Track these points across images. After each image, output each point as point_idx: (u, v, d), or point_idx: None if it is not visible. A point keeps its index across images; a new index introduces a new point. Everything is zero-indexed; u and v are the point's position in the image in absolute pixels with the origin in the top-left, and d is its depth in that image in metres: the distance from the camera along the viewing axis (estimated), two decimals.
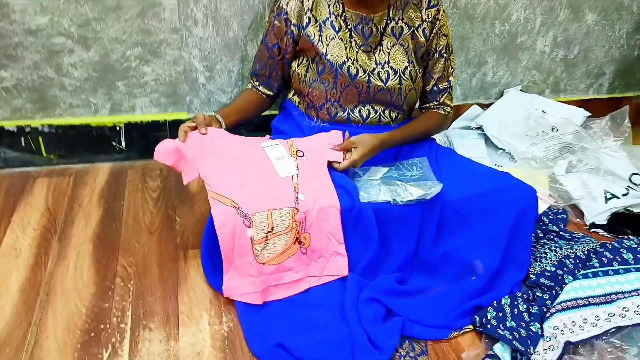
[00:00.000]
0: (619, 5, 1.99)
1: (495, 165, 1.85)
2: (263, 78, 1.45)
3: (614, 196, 1.60)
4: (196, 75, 1.74)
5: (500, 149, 1.90)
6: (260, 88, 1.47)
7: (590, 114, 1.97)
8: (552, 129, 1.83)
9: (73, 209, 1.56)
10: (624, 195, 1.59)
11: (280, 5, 1.32)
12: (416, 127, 1.45)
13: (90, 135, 1.74)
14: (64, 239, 1.44)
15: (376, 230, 1.20)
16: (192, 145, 1.24)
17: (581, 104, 2.13)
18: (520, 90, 2.07)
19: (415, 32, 1.36)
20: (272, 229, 1.17)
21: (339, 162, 1.28)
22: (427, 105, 1.51)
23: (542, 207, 1.67)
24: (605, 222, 1.59)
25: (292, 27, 1.32)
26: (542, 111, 1.96)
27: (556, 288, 1.26)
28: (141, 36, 1.63)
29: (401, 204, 1.24)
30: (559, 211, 1.65)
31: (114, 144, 1.77)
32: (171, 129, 1.80)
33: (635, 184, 1.61)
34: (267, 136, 1.42)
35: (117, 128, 1.75)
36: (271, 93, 1.48)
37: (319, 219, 1.19)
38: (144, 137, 1.79)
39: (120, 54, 1.64)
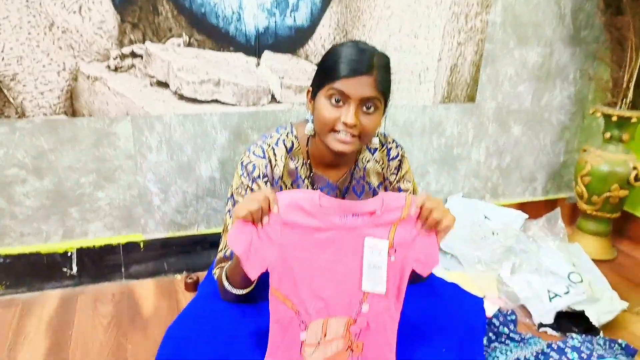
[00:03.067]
0: (540, 118, 2.22)
1: (445, 269, 1.92)
2: None
3: (556, 295, 1.67)
4: (151, 198, 1.79)
5: (449, 253, 1.98)
6: None
7: (528, 216, 2.11)
8: (493, 233, 1.94)
9: (17, 343, 1.49)
10: (565, 293, 1.67)
11: (259, 170, 1.20)
12: None
13: (40, 263, 1.71)
14: None
15: None
16: (265, 232, 1.06)
17: (519, 206, 2.29)
18: (463, 196, 2.21)
19: (376, 189, 1.36)
20: (325, 335, 1.09)
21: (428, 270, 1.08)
22: None
23: (492, 309, 1.72)
24: (552, 321, 1.65)
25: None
26: (484, 216, 2.09)
27: None
28: (96, 164, 1.68)
29: None
30: (509, 313, 1.69)
31: (65, 270, 1.75)
32: (124, 252, 1.80)
33: (574, 282, 1.70)
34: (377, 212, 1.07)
35: (69, 254, 1.74)
36: None
37: (376, 331, 1.11)
38: (96, 262, 1.77)
39: (74, 182, 1.68)
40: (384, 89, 1.13)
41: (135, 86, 1.64)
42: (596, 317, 1.61)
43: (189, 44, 1.65)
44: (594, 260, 2.02)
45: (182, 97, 1.69)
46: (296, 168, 1.22)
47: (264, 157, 1.19)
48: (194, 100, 1.71)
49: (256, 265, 1.06)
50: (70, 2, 1.48)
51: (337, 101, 1.10)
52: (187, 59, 1.66)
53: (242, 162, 1.20)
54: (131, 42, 1.59)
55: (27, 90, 1.53)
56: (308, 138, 1.24)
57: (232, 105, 1.76)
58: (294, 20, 1.73)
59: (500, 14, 1.97)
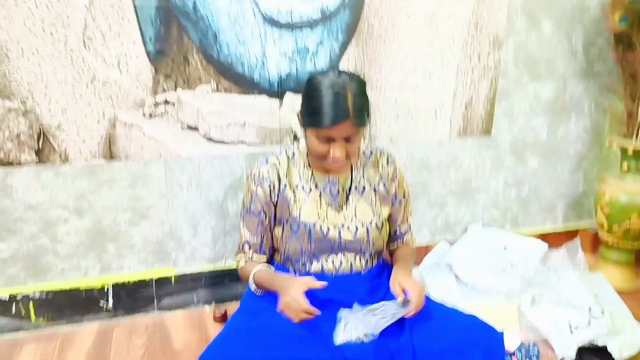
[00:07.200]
0: (557, 150, 2.26)
1: (465, 299, 1.95)
2: (256, 246, 1.50)
3: (577, 327, 1.69)
4: (181, 234, 1.89)
5: (469, 283, 2.01)
6: (255, 257, 1.51)
7: (548, 246, 2.13)
8: (512, 265, 1.97)
9: None
10: (586, 326, 1.68)
11: (262, 174, 1.43)
12: (406, 258, 1.58)
13: (79, 297, 1.82)
14: None
15: None
16: None
17: (541, 236, 2.30)
18: (482, 225, 2.25)
19: (377, 187, 1.54)
20: None
21: None
22: (395, 243, 1.65)
23: (514, 342, 1.74)
24: (575, 355, 1.65)
25: (275, 192, 1.44)
26: (504, 247, 2.12)
27: None
28: (131, 202, 1.80)
29: (376, 334, 1.28)
30: (530, 347, 1.71)
31: (102, 303, 1.85)
32: (157, 285, 1.90)
33: (595, 315, 1.71)
34: None
35: (105, 289, 1.84)
36: (265, 258, 1.54)
37: None
38: (131, 295, 1.87)
39: (111, 220, 1.80)
40: (362, 121, 1.33)
41: (168, 130, 1.76)
42: (618, 351, 1.62)
43: (217, 90, 1.77)
44: (618, 291, 2.02)
45: (210, 139, 1.81)
46: (299, 171, 1.47)
47: (267, 164, 1.43)
48: (222, 142, 1.83)
49: None
50: (110, 57, 1.62)
51: (325, 141, 1.32)
52: (215, 104, 1.78)
53: (250, 172, 1.45)
54: (164, 91, 1.72)
55: (71, 139, 1.66)
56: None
57: (257, 145, 1.87)
58: (314, 65, 1.84)
59: (512, 52, 2.04)
